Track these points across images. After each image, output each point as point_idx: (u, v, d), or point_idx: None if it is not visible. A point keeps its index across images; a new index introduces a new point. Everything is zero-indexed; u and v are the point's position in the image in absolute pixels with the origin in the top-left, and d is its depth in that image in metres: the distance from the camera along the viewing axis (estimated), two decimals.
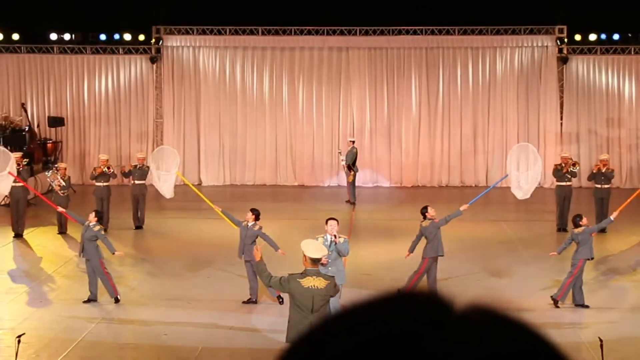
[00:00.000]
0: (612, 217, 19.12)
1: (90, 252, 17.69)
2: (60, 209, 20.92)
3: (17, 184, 23.71)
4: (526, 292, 18.19)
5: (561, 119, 31.43)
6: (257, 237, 17.76)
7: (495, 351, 1.14)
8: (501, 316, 1.18)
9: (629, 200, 19.46)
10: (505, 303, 1.24)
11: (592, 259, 17.78)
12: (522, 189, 20.45)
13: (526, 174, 20.53)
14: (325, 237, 15.47)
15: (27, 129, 30.35)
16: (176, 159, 23.56)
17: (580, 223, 17.58)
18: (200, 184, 31.68)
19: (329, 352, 1.19)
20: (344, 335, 1.20)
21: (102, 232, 18.12)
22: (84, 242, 17.76)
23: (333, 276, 12.84)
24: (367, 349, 1.15)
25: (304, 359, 1.22)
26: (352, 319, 1.24)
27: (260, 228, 17.88)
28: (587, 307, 17.28)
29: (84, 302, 17.73)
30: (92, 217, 18.08)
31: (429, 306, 1.20)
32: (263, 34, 31.97)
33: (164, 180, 23.02)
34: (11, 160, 21.85)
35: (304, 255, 12.13)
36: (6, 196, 24.64)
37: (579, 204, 23.83)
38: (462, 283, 18.80)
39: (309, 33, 31.74)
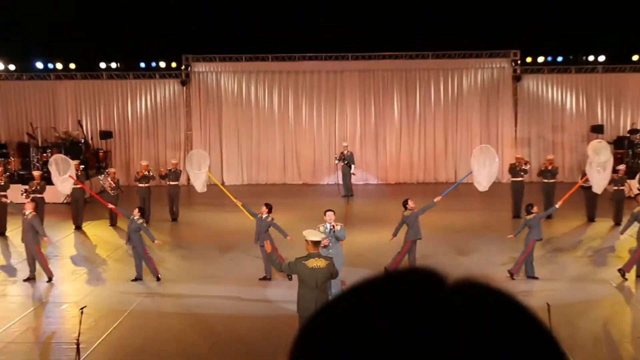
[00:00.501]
0: (556, 206, 19.35)
1: (135, 240, 17.98)
2: (110, 205, 21.07)
3: (77, 186, 23.94)
4: (488, 267, 18.48)
5: (515, 126, 31.60)
6: (269, 227, 18.03)
7: (488, 317, 1.07)
8: (489, 287, 1.12)
9: (570, 192, 19.59)
10: (488, 277, 1.21)
11: (541, 239, 18.04)
12: (482, 183, 20.56)
13: (486, 170, 20.58)
14: (325, 226, 15.70)
15: (83, 141, 30.57)
16: (206, 160, 23.59)
17: (532, 211, 17.87)
18: (223, 183, 31.75)
19: (339, 331, 1.09)
20: (352, 312, 1.11)
21: (144, 224, 18.36)
22: (130, 233, 18.04)
23: (332, 257, 13.08)
24: (376, 322, 1.07)
25: (314, 343, 1.12)
26: (357, 296, 1.14)
27: (272, 219, 18.13)
28: (537, 278, 17.59)
29: (132, 280, 18.04)
30: (136, 212, 18.31)
31: (427, 279, 1.12)
32: (273, 60, 32.10)
33: (195, 177, 23.11)
34: (71, 166, 22.05)
35: (307, 241, 12.37)
36: (68, 195, 24.79)
37: (530, 195, 23.90)
38: (437, 261, 18.93)
39: (310, 59, 31.88)
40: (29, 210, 18.49)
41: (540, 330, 1.10)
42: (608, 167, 20.81)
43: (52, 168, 21.93)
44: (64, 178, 21.98)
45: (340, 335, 1.08)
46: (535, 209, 17.96)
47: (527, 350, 1.06)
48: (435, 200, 18.95)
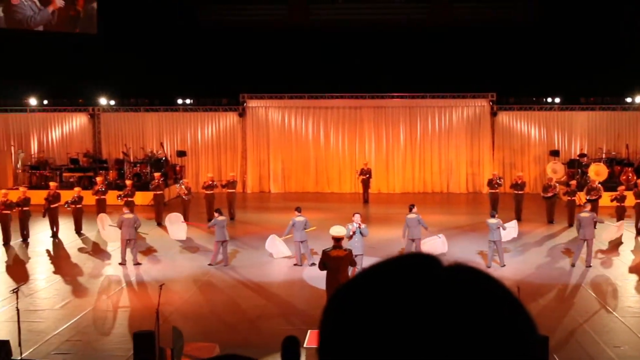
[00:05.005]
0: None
1: (219, 234, 18.03)
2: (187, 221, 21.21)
3: (159, 192, 24.10)
4: (472, 256, 18.29)
5: (493, 150, 31.45)
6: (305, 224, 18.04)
7: (476, 288, 1.06)
8: (473, 268, 1.09)
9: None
10: (471, 262, 1.19)
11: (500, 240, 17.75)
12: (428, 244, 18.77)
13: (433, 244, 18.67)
14: (353, 225, 15.79)
15: (164, 159, 30.74)
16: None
17: (496, 215, 17.72)
18: (269, 191, 31.93)
19: (357, 301, 1.07)
20: (367, 286, 1.09)
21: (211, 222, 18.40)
22: (217, 229, 18.06)
23: (350, 249, 13.13)
24: (385, 294, 1.05)
25: (338, 314, 1.09)
26: (372, 273, 1.11)
27: (296, 219, 18.17)
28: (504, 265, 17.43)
29: (209, 264, 18.03)
30: (216, 214, 18.29)
31: (427, 261, 1.10)
32: (308, 98, 32.16)
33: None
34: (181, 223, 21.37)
35: (332, 236, 12.48)
36: (151, 199, 24.97)
37: (504, 203, 23.85)
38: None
39: (337, 98, 31.93)
40: (126, 211, 18.66)
41: (515, 302, 1.09)
42: None
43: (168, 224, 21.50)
44: (178, 228, 21.24)
45: (357, 303, 1.07)
46: (497, 216, 17.78)
47: (508, 317, 1.06)
48: (427, 228, 18.61)
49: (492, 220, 17.54)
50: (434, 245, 18.39)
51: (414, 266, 1.10)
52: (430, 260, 1.11)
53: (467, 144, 31.56)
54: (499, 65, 30.04)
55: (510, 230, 19.40)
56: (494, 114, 31.51)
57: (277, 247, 18.79)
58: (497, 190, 24.74)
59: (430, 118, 31.80)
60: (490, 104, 31.48)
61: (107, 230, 20.35)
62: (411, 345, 1.01)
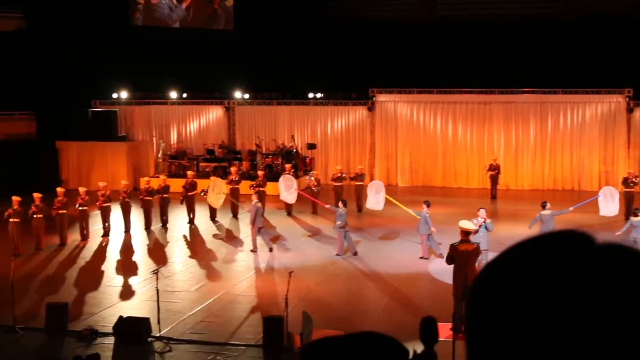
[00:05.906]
0: None
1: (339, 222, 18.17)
2: (317, 201, 21.45)
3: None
4: None
5: (628, 148, 30.14)
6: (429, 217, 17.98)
7: (631, 262, 1.00)
8: (633, 248, 1.03)
9: None
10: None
11: None
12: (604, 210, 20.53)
13: (611, 206, 20.05)
14: (478, 220, 15.62)
15: (294, 151, 31.18)
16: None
17: (638, 214, 17.08)
18: (397, 185, 31.83)
19: (514, 272, 1.05)
20: (520, 266, 1.05)
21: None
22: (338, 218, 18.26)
23: (478, 242, 12.98)
24: (540, 273, 1.01)
25: (489, 293, 1.05)
26: (528, 246, 1.08)
27: (427, 212, 17.98)
28: None
29: (337, 255, 18.22)
30: (340, 204, 18.45)
31: (582, 235, 1.05)
32: (437, 93, 31.85)
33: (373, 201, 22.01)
34: (294, 181, 23.54)
35: (460, 229, 12.33)
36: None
37: None
38: None
39: (465, 93, 31.47)
40: (255, 199, 19.09)
41: None
42: None
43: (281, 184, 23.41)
44: (290, 192, 23.07)
45: (507, 282, 1.04)
46: None
47: None
48: (570, 208, 18.63)
49: (637, 219, 16.97)
50: (604, 206, 20.10)
51: (568, 240, 1.05)
52: (583, 237, 1.05)
53: (600, 141, 30.42)
54: (636, 60, 28.73)
55: None
56: (630, 110, 30.16)
57: (378, 197, 19.40)
58: (632, 190, 23.75)
59: (562, 114, 30.85)
60: (627, 99, 30.18)
61: (217, 197, 22.22)
62: (563, 327, 0.97)
